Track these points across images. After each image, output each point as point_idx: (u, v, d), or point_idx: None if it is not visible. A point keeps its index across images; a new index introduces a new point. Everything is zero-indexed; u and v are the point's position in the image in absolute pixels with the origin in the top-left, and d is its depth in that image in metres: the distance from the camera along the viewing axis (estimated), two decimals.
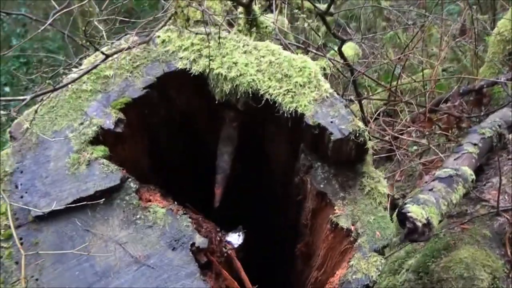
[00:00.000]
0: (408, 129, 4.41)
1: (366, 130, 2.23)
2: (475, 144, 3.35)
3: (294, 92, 2.26)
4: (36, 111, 2.15)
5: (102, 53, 2.04)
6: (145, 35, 2.35)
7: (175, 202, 2.33)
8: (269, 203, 2.98)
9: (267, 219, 3.09)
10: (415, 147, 4.46)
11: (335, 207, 2.28)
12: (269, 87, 2.26)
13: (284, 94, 2.25)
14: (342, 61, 3.81)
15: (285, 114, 2.25)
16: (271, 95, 2.25)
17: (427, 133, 4.43)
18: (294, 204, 2.62)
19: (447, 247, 3.14)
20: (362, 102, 4.37)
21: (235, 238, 2.50)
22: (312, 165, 2.34)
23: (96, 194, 2.08)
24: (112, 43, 2.32)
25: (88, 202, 2.07)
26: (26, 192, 2.11)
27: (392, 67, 4.76)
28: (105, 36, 2.24)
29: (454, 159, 3.08)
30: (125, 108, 2.24)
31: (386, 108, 4.59)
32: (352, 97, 4.18)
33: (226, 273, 2.30)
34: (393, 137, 4.08)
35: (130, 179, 2.16)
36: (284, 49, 2.50)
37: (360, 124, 2.21)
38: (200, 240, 2.12)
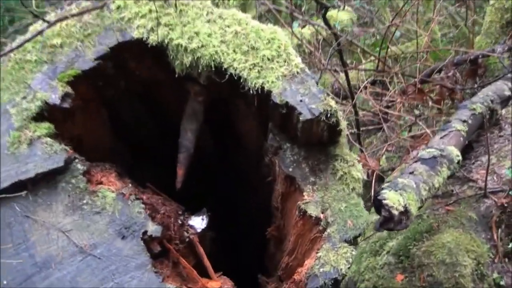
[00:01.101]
0: (397, 101, 4.18)
1: (338, 110, 2.02)
2: (464, 121, 3.13)
3: (261, 66, 2.05)
4: None
5: (44, 20, 1.82)
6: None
7: (130, 184, 2.14)
8: (242, 183, 2.79)
9: (239, 199, 2.91)
10: (403, 120, 4.23)
11: (304, 193, 2.09)
12: (234, 60, 2.05)
13: (250, 69, 2.04)
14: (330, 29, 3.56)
15: (251, 91, 2.04)
16: (235, 70, 2.05)
17: (417, 105, 4.20)
18: (265, 184, 2.44)
19: (429, 230, 2.94)
20: (352, 71, 4.14)
21: (198, 222, 2.32)
22: (281, 146, 2.14)
23: (38, 177, 1.89)
24: (61, 8, 2.09)
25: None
26: None
27: (387, 33, 4.51)
28: None
29: (440, 137, 2.86)
30: (74, 81, 2.02)
31: (375, 78, 4.35)
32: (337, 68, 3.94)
33: (184, 262, 2.13)
34: (382, 110, 3.85)
35: (77, 160, 1.97)
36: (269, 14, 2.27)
37: (332, 103, 2.00)
38: (153, 228, 1.94)
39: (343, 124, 2.07)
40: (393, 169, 4.54)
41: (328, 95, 2.03)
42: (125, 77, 2.28)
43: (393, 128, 4.19)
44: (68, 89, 2.00)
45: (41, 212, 1.89)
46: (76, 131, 2.19)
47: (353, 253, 2.03)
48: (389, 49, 4.19)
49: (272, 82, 2.02)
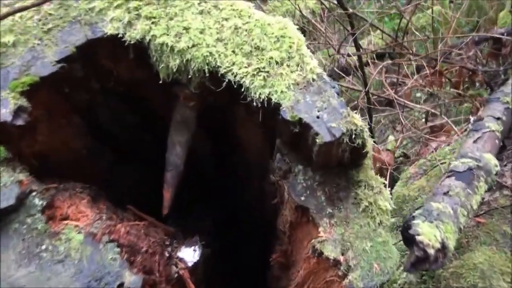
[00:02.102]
0: (412, 85, 3.76)
1: (365, 129, 1.61)
2: (498, 118, 2.73)
3: (268, 72, 1.63)
4: None
5: None
6: None
7: (105, 212, 1.75)
8: (241, 191, 2.39)
9: (238, 205, 2.52)
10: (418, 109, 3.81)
11: (320, 228, 1.69)
12: (233, 64, 1.63)
13: (254, 75, 1.62)
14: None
15: (255, 103, 1.62)
16: (235, 76, 1.62)
17: (436, 90, 3.79)
18: (270, 201, 2.04)
19: (458, 247, 2.57)
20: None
21: (190, 254, 1.93)
22: (291, 169, 1.73)
23: None
24: None
25: None
26: None
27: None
28: None
29: (474, 141, 2.47)
30: (31, 90, 1.60)
31: (385, 52, 3.92)
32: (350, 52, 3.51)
33: None
34: (397, 99, 3.44)
35: (34, 193, 1.55)
36: None
37: (358, 120, 1.59)
38: (131, 279, 1.55)
39: (370, 144, 1.65)
40: (405, 156, 4.15)
41: (351, 109, 1.60)
42: (99, 78, 1.85)
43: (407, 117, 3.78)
44: (23, 102, 1.58)
45: None
46: (38, 147, 1.78)
47: None
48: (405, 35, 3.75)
49: (282, 92, 1.60)
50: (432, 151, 3.41)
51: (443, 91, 3.91)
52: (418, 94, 5.01)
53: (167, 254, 1.87)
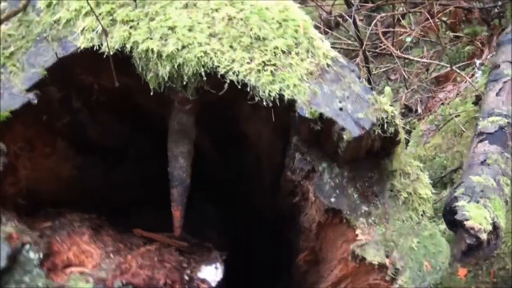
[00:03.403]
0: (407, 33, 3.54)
1: (396, 114, 1.40)
2: None
3: (275, 64, 1.40)
4: None
5: None
6: None
7: (110, 246, 1.55)
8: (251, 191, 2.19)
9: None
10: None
11: (357, 230, 1.50)
12: (233, 61, 1.40)
13: (259, 71, 1.40)
14: None
15: (265, 102, 1.40)
16: (237, 74, 1.40)
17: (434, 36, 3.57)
18: (286, 197, 1.84)
19: None
20: None
21: (212, 273, 1.74)
22: (314, 169, 1.53)
23: None
24: None
25: None
26: None
27: None
28: None
29: (496, 94, 2.26)
30: (3, 127, 1.37)
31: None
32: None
33: None
34: (399, 55, 3.22)
35: (27, 247, 1.34)
36: None
37: (387, 106, 1.38)
38: None
39: (402, 132, 1.45)
40: (410, 110, 3.95)
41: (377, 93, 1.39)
42: (80, 95, 1.63)
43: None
44: None
45: None
46: (23, 183, 1.56)
47: None
48: None
49: (295, 86, 1.39)
50: (442, 103, 3.21)
51: (441, 37, 3.70)
52: (409, 39, 4.78)
53: (187, 278, 1.68)
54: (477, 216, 1.58)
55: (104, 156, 1.91)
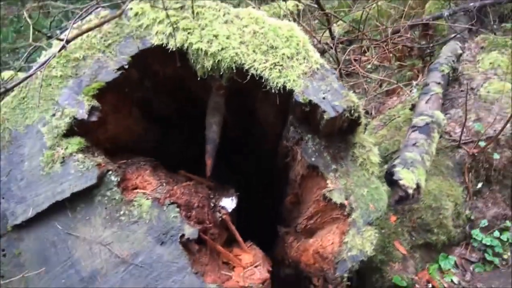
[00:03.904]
0: (371, 61, 3.52)
1: (359, 104, 1.40)
2: (438, 83, 2.52)
3: (282, 65, 1.41)
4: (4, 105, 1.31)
5: (58, 39, 1.16)
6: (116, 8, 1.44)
7: (164, 178, 1.56)
8: (259, 154, 2.19)
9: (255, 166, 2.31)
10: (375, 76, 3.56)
11: (328, 181, 1.51)
12: (254, 61, 1.41)
13: (271, 68, 1.40)
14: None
15: (273, 90, 1.41)
16: (256, 70, 1.41)
17: (387, 64, 3.55)
18: (281, 159, 1.85)
19: None
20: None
21: (229, 203, 1.75)
22: (302, 138, 1.54)
23: (73, 196, 1.29)
24: (82, 18, 1.41)
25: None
26: (3, 198, 1.32)
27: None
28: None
29: (425, 102, 2.27)
30: (99, 93, 1.38)
31: (348, 39, 3.65)
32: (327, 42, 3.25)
33: (220, 248, 1.57)
34: (364, 74, 3.20)
35: (110, 172, 1.36)
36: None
37: (354, 98, 1.38)
38: (190, 231, 1.37)
39: (363, 117, 1.45)
40: (367, 112, 3.94)
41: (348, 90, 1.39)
42: (150, 78, 1.63)
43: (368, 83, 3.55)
44: (94, 103, 1.37)
45: (81, 227, 1.31)
46: (109, 133, 1.57)
47: (377, 235, 1.47)
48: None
49: (294, 80, 1.39)
50: (389, 108, 3.20)
51: (391, 64, 3.68)
52: (369, 66, 4.75)
53: (212, 205, 1.69)
54: (407, 177, 1.59)
55: (161, 124, 1.92)
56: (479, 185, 2.46)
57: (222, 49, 1.40)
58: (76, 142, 1.35)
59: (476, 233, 2.41)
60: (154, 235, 1.34)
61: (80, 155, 1.33)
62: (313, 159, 1.52)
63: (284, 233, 2.08)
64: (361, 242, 1.45)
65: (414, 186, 1.58)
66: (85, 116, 1.35)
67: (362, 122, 1.44)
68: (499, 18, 4.05)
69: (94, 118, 1.36)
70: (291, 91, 1.39)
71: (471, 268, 2.37)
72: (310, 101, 1.37)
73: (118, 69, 1.39)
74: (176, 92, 1.82)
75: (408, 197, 1.55)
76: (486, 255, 2.37)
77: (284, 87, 1.39)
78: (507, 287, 2.18)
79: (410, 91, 3.30)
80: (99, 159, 1.39)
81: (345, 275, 1.44)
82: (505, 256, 2.37)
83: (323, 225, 1.73)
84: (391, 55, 3.80)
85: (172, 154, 2.02)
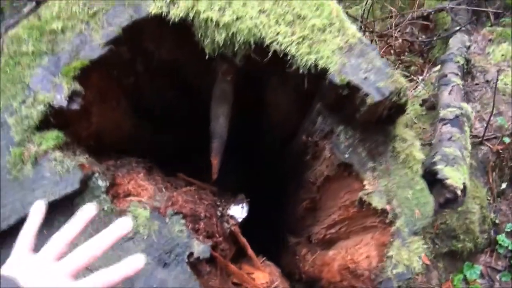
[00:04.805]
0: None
1: (407, 87, 1.15)
2: (457, 74, 2.30)
3: (312, 39, 1.14)
4: None
5: None
6: None
7: (161, 184, 1.28)
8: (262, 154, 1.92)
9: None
10: None
11: (365, 181, 1.25)
12: (277, 33, 1.14)
13: (299, 43, 1.14)
14: None
15: (301, 70, 1.14)
16: (280, 45, 1.14)
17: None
18: (296, 157, 1.58)
19: None
20: None
21: (238, 211, 1.48)
22: (333, 130, 1.27)
23: (49, 207, 0.99)
24: None
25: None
26: None
27: None
28: None
29: (449, 94, 2.04)
30: (82, 74, 1.09)
31: None
32: None
33: (232, 267, 1.29)
34: None
35: (96, 175, 1.07)
36: None
37: (402, 80, 1.13)
38: (200, 248, 1.09)
39: (409, 102, 1.20)
40: None
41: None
42: (143, 60, 1.35)
43: None
44: (76, 86, 1.07)
45: None
46: (93, 128, 1.28)
47: (424, 247, 1.22)
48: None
49: (328, 57, 1.13)
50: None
51: (396, 59, 3.47)
52: None
53: (219, 214, 1.42)
54: (454, 176, 1.35)
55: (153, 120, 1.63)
56: (503, 185, 2.25)
57: (237, 18, 1.13)
58: (52, 136, 1.05)
59: (501, 238, 2.20)
60: (154, 255, 1.06)
61: (57, 153, 1.03)
62: (346, 155, 1.26)
63: (295, 243, 1.82)
64: (407, 257, 1.20)
65: (462, 187, 1.34)
66: (64, 103, 1.05)
67: (407, 110, 1.19)
68: (494, 14, 3.92)
69: (75, 106, 1.07)
70: (324, 71, 1.13)
71: (497, 277, 2.16)
72: (348, 82, 1.11)
73: (106, 44, 1.10)
74: (171, 80, 1.54)
75: (456, 199, 1.31)
76: None
77: (316, 65, 1.12)
78: None
79: (416, 87, 3.11)
80: (81, 158, 1.09)
81: None
82: None
83: (348, 235, 1.47)
84: (391, 50, 3.60)
85: (164, 154, 1.74)
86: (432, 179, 1.39)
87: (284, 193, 1.90)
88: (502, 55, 2.90)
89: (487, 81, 2.66)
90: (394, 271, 1.18)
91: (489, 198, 2.24)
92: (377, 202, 1.22)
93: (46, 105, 1.05)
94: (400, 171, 1.26)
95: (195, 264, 1.10)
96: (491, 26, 3.55)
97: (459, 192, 1.31)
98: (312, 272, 1.65)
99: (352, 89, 1.12)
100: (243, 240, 1.44)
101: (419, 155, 1.29)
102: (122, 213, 1.06)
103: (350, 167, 1.27)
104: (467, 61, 2.70)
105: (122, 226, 0.77)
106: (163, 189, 1.27)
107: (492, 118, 2.36)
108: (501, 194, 2.29)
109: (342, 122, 1.25)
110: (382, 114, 1.22)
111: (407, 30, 3.72)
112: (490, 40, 3.19)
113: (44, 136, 1.04)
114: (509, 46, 2.98)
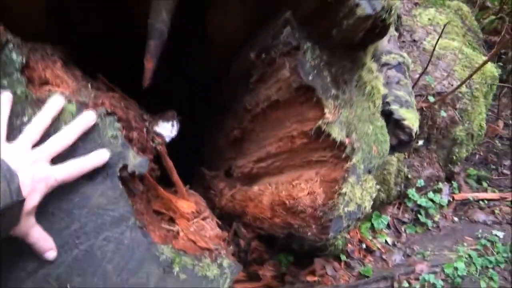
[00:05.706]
0: None
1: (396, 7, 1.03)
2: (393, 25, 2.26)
3: None
4: None
5: None
6: None
7: (83, 81, 1.03)
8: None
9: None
10: None
11: (325, 109, 1.12)
12: None
13: None
14: None
15: None
16: None
17: None
18: (233, 80, 1.41)
19: None
20: None
21: (168, 129, 1.27)
22: (300, 46, 1.11)
23: None
24: None
25: None
26: None
27: None
28: None
29: (388, 41, 1.98)
30: None
31: None
32: None
33: (161, 191, 1.12)
34: None
35: (10, 46, 0.80)
36: None
37: (395, 0, 1.00)
38: (136, 162, 0.89)
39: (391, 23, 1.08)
40: None
41: None
42: None
43: None
44: None
45: None
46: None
47: (377, 186, 1.15)
48: None
49: None
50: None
51: None
52: None
53: (145, 129, 1.20)
54: (410, 118, 1.29)
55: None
56: (420, 142, 2.33)
57: None
58: None
59: (411, 192, 2.29)
60: None
61: None
62: (310, 77, 1.11)
63: (211, 177, 1.68)
64: (360, 195, 1.12)
65: (417, 129, 1.29)
66: None
67: (387, 31, 1.07)
68: None
69: None
70: None
71: (403, 229, 2.26)
72: None
73: None
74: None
75: (410, 141, 1.26)
76: (419, 216, 2.27)
77: None
78: (442, 251, 2.10)
79: None
80: None
81: (338, 236, 1.11)
82: (436, 219, 2.30)
83: (282, 170, 1.36)
84: None
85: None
86: (386, 119, 1.32)
87: (208, 121, 1.72)
88: (429, 19, 2.96)
89: (414, 41, 2.69)
90: (346, 209, 1.09)
91: (404, 154, 2.30)
92: (337, 133, 1.10)
93: None
94: (363, 103, 1.16)
95: (127, 181, 0.89)
96: None
97: (413, 134, 1.26)
98: (232, 207, 1.53)
99: None
100: (170, 163, 1.25)
101: (382, 88, 1.19)
102: (39, 102, 0.80)
103: (312, 91, 1.12)
104: (398, 16, 2.70)
105: (87, 118, 0.84)
106: (89, 87, 1.01)
107: (417, 76, 2.39)
108: (416, 151, 2.37)
109: (311, 38, 1.09)
110: (357, 36, 1.08)
111: None
112: (416, 3, 3.24)
113: None
114: (436, 12, 3.06)
